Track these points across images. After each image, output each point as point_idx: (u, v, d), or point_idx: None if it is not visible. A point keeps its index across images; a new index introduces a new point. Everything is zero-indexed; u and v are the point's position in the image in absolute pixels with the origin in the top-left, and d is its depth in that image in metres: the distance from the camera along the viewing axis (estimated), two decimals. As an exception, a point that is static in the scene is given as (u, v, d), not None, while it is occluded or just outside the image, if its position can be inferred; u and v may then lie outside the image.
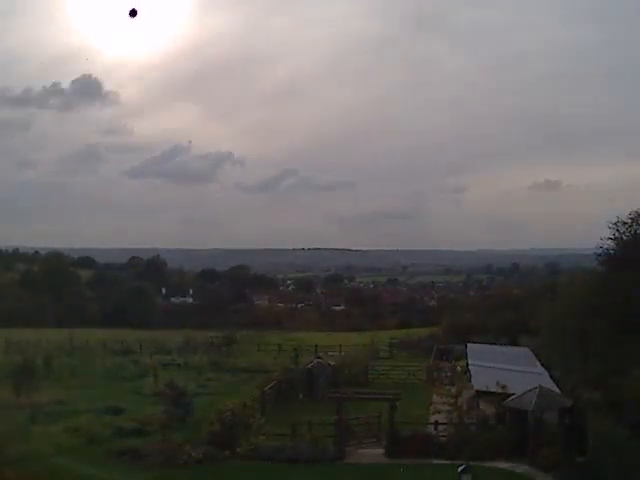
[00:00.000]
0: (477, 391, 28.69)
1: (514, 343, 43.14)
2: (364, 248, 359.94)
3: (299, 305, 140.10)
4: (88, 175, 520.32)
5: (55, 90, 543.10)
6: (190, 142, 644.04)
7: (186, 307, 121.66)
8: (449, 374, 42.11)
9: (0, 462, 21.14)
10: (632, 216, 29.59)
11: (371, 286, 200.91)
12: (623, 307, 26.86)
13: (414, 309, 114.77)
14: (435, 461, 23.68)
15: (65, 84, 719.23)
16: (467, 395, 28.80)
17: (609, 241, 30.13)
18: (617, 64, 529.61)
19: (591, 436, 21.31)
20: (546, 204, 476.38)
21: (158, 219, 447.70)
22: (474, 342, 40.98)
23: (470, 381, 31.35)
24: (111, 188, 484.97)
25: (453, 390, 30.05)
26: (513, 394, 25.23)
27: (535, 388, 24.46)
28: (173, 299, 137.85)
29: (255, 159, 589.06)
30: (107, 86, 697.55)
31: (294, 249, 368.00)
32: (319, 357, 43.16)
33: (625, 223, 29.65)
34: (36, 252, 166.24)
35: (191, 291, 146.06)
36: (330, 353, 51.55)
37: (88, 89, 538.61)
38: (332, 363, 41.76)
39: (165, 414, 28.72)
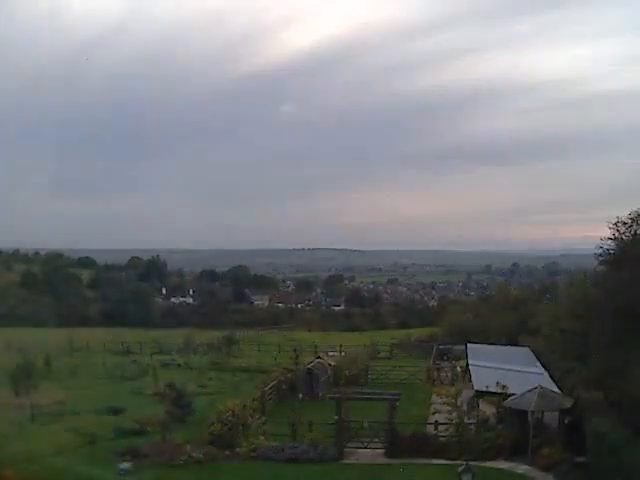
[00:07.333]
0: (477, 391, 28.66)
1: (514, 343, 43.03)
2: (364, 248, 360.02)
3: (299, 305, 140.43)
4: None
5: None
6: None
7: (186, 307, 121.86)
8: (449, 374, 42.11)
9: (0, 462, 21.15)
10: (632, 216, 29.48)
11: (371, 286, 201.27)
12: (623, 307, 26.78)
13: (414, 309, 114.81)
14: (435, 461, 23.69)
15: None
16: (467, 395, 28.75)
17: (609, 241, 30.03)
18: None
19: (591, 436, 21.27)
20: None
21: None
22: (474, 342, 40.89)
23: (470, 381, 31.30)
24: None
25: (453, 390, 29.97)
26: (513, 394, 25.20)
27: (535, 388, 24.42)
28: (173, 299, 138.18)
29: None
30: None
31: (294, 249, 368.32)
32: (319, 357, 43.16)
33: (625, 223, 29.53)
34: (36, 252, 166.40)
35: (191, 291, 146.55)
36: (330, 353, 51.59)
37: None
38: (332, 363, 41.76)
39: (165, 414, 28.74)
